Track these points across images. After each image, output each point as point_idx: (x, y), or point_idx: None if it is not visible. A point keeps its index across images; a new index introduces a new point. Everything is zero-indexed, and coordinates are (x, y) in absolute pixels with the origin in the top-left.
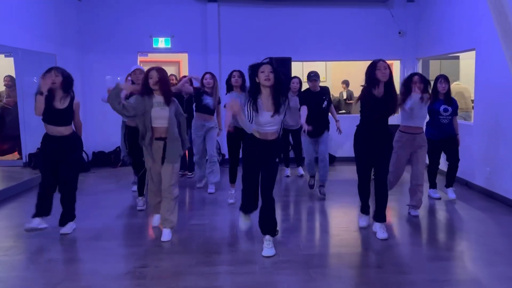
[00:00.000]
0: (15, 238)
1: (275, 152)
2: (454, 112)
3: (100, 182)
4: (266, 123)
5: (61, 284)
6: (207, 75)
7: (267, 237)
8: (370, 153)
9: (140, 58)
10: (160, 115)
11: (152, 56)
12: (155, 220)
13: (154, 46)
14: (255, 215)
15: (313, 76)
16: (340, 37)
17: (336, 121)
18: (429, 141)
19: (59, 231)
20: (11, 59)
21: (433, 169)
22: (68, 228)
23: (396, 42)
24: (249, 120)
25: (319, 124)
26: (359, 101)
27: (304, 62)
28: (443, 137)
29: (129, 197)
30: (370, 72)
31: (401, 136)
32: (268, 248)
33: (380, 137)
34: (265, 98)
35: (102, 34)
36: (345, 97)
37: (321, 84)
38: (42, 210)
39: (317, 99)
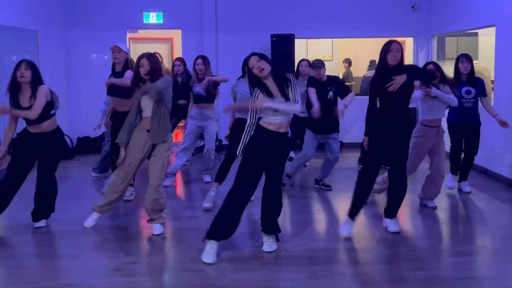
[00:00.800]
0: None
1: (287, 147)
2: (482, 93)
3: (85, 170)
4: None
5: (43, 281)
6: (199, 60)
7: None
8: (386, 145)
9: (129, 35)
10: (147, 103)
11: (142, 33)
12: (90, 220)
13: (144, 21)
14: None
15: (316, 64)
16: (347, 12)
17: (345, 106)
18: (451, 125)
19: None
20: None
21: (456, 154)
22: (42, 222)
23: (409, 18)
24: (253, 118)
25: (324, 119)
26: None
27: (308, 39)
28: (466, 122)
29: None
30: (382, 54)
31: (425, 130)
32: (269, 242)
33: (399, 128)
34: (272, 87)
35: (87, 9)
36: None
37: (328, 62)
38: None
39: (322, 88)
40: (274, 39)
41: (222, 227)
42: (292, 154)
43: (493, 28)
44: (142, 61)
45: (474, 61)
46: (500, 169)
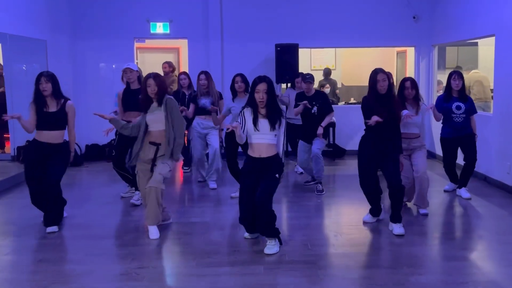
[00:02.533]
0: (3, 237)
1: (274, 171)
2: (470, 112)
3: (93, 177)
4: (262, 133)
5: (52, 286)
6: (202, 76)
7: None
8: (375, 158)
9: (136, 45)
10: (154, 119)
11: (149, 43)
12: (154, 232)
13: (151, 31)
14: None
15: (308, 79)
16: (350, 22)
17: (320, 126)
18: (444, 141)
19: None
20: None
21: (448, 167)
22: (54, 227)
23: (410, 28)
24: (242, 127)
25: (309, 131)
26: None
27: (312, 49)
28: (458, 135)
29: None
30: (372, 84)
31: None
32: (270, 245)
33: (387, 143)
34: (262, 114)
35: (95, 19)
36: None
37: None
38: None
39: (308, 102)
40: (279, 48)
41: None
42: (298, 168)
43: (493, 38)
44: (149, 81)
45: (474, 71)
46: (500, 176)
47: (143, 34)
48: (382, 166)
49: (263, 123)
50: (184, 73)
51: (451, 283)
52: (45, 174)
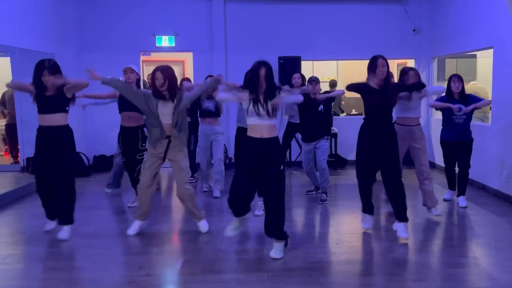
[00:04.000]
0: (14, 246)
1: (275, 157)
2: (477, 103)
3: (101, 187)
4: (251, 112)
5: None
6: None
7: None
8: (374, 153)
9: (142, 58)
10: (165, 112)
11: (155, 56)
12: (134, 227)
13: (157, 45)
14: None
15: (313, 79)
16: (352, 35)
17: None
18: (443, 144)
19: (56, 236)
20: (7, 59)
21: (449, 173)
22: (65, 233)
23: (411, 40)
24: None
25: (315, 129)
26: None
27: (314, 62)
28: (458, 140)
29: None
30: (371, 69)
31: (399, 129)
32: (279, 250)
33: (385, 135)
34: (260, 96)
35: (102, 32)
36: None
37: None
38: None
39: (313, 102)
40: (282, 61)
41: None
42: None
43: (491, 50)
44: (157, 74)
45: (472, 82)
46: (497, 185)
47: (149, 47)
48: (381, 157)
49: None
50: (187, 79)
51: None
52: (53, 163)
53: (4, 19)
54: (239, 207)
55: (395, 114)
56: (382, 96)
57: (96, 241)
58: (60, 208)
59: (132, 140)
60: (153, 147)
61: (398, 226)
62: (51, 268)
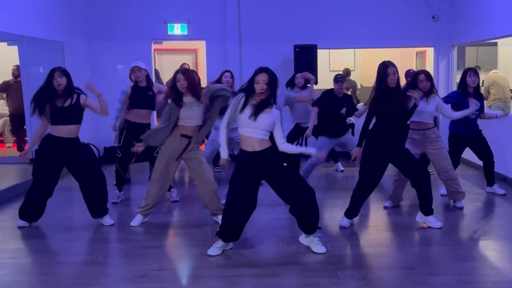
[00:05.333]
0: (22, 240)
1: (275, 161)
2: (483, 108)
3: (111, 178)
4: (247, 123)
5: (73, 287)
6: (227, 74)
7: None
8: (388, 156)
9: (154, 46)
10: (190, 115)
11: (167, 44)
12: (137, 220)
13: (169, 33)
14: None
15: (339, 78)
16: (369, 23)
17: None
18: (455, 137)
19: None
20: (15, 48)
21: (455, 165)
22: (109, 219)
23: (430, 28)
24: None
25: (336, 130)
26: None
27: (330, 50)
28: (469, 133)
29: (143, 195)
30: (381, 77)
31: (411, 133)
32: (319, 243)
33: (395, 143)
34: (252, 104)
35: (112, 20)
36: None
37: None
38: (31, 214)
39: (338, 103)
40: (297, 49)
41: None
42: (339, 165)
43: None
44: (178, 76)
45: (493, 71)
46: None
47: (160, 35)
48: (398, 162)
49: (260, 117)
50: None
51: (469, 283)
52: (58, 172)
53: (11, 7)
54: (235, 225)
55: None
56: (397, 108)
57: (108, 235)
58: (97, 202)
59: (138, 139)
60: (169, 148)
61: (428, 219)
62: (61, 263)
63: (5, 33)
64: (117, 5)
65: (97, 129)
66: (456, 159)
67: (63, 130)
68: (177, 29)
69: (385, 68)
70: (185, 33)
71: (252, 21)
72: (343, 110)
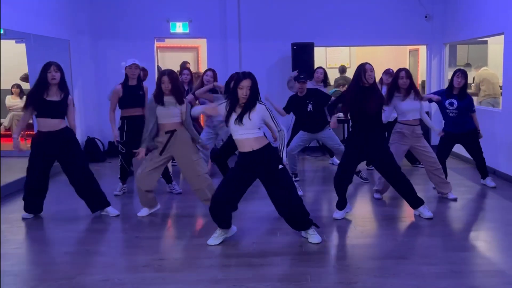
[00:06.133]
0: (29, 231)
1: (273, 159)
2: (466, 109)
3: (116, 172)
4: (244, 127)
5: (77, 277)
6: (208, 72)
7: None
8: (362, 156)
9: (157, 44)
10: (168, 113)
11: (169, 42)
12: (143, 211)
13: (171, 31)
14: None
15: (302, 79)
16: (365, 21)
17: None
18: (446, 133)
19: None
20: (22, 45)
21: (440, 161)
22: (114, 210)
23: (423, 27)
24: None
25: (312, 125)
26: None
27: (327, 48)
28: (456, 132)
29: None
30: (358, 74)
31: (401, 127)
32: (313, 235)
33: (373, 142)
34: (239, 107)
35: (116, 19)
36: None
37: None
38: (32, 207)
39: (301, 102)
40: (295, 47)
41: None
42: (335, 159)
43: (502, 36)
44: (163, 78)
45: (483, 68)
46: (508, 169)
47: (163, 33)
48: (374, 160)
49: (245, 118)
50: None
51: (461, 272)
52: (48, 167)
53: (19, 5)
54: (220, 213)
55: (398, 117)
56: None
57: (111, 226)
58: (94, 196)
59: (138, 130)
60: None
61: (419, 210)
62: (66, 253)
63: (14, 31)
64: (121, 4)
65: (102, 124)
66: (445, 154)
67: (48, 123)
68: (179, 27)
69: (363, 65)
70: (187, 31)
71: (251, 19)
72: (309, 107)
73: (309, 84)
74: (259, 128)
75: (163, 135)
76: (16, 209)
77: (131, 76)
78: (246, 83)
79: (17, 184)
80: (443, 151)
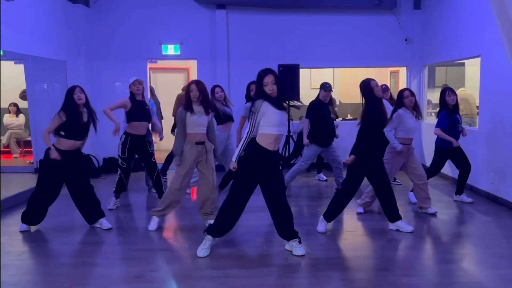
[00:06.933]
0: (27, 243)
1: (278, 163)
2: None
3: (110, 187)
4: (279, 122)
5: (73, 287)
6: (217, 89)
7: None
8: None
9: (149, 65)
10: (198, 122)
11: (161, 63)
12: (153, 223)
13: (163, 53)
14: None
15: (328, 88)
16: (347, 44)
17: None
18: (445, 151)
19: (103, 227)
20: (21, 66)
21: (431, 176)
22: (107, 223)
23: (403, 49)
24: (253, 127)
25: (329, 135)
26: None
27: (312, 69)
28: (455, 146)
29: (140, 201)
30: (369, 91)
31: (402, 146)
32: (297, 247)
33: (381, 155)
34: (272, 102)
35: (111, 41)
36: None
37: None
38: (33, 220)
39: (328, 110)
40: (281, 68)
41: (221, 228)
42: (321, 175)
43: (478, 59)
44: (192, 86)
45: (461, 89)
46: (485, 186)
47: (155, 55)
48: (374, 171)
49: (283, 115)
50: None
51: (440, 284)
52: (72, 178)
53: (18, 27)
54: (231, 224)
55: (398, 134)
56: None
57: (106, 239)
58: (91, 208)
59: (143, 147)
60: (190, 158)
61: (398, 224)
62: (63, 264)
63: (13, 52)
64: (115, 27)
65: (97, 141)
66: (437, 170)
67: (72, 144)
68: (170, 49)
69: (369, 83)
70: (178, 53)
71: (240, 42)
72: (332, 115)
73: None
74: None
75: (193, 146)
76: (15, 222)
77: (136, 92)
78: (269, 79)
79: (16, 198)
80: (438, 167)
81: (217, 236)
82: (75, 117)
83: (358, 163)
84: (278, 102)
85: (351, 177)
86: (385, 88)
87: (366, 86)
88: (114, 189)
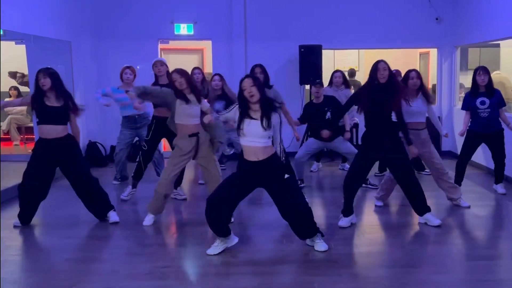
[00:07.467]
0: (29, 237)
1: (277, 170)
2: (499, 104)
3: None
4: (254, 134)
5: (78, 285)
6: (216, 77)
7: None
8: (375, 157)
9: (160, 46)
10: (189, 112)
11: (173, 44)
12: (148, 219)
13: (175, 33)
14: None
15: (318, 82)
16: (374, 24)
17: (346, 131)
18: (469, 132)
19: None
20: (22, 47)
21: (461, 163)
22: (115, 216)
23: (433, 29)
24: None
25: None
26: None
27: (335, 50)
28: (485, 131)
29: (149, 193)
30: (372, 73)
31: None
32: (320, 242)
33: (387, 143)
34: (254, 111)
35: (119, 20)
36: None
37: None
38: (22, 217)
39: (320, 110)
40: (302, 50)
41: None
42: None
43: None
44: (174, 76)
45: (495, 72)
46: None
47: (167, 35)
48: (385, 160)
49: (255, 124)
50: (198, 68)
51: (472, 281)
52: (49, 176)
53: (19, 6)
54: (215, 216)
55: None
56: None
57: (113, 232)
58: (98, 203)
59: (165, 131)
60: (184, 149)
61: (426, 217)
62: (66, 260)
63: (13, 32)
64: (124, 5)
65: (104, 128)
66: (467, 153)
67: (49, 130)
68: (183, 29)
69: (376, 64)
70: (192, 33)
71: (258, 21)
72: (328, 115)
73: (330, 91)
74: (269, 137)
75: (185, 138)
76: (15, 214)
77: (159, 74)
78: (246, 83)
79: (16, 189)
80: (467, 152)
81: (220, 236)
82: (40, 100)
83: (359, 147)
84: (262, 109)
85: (353, 162)
86: (396, 73)
87: (372, 67)
88: (132, 174)
